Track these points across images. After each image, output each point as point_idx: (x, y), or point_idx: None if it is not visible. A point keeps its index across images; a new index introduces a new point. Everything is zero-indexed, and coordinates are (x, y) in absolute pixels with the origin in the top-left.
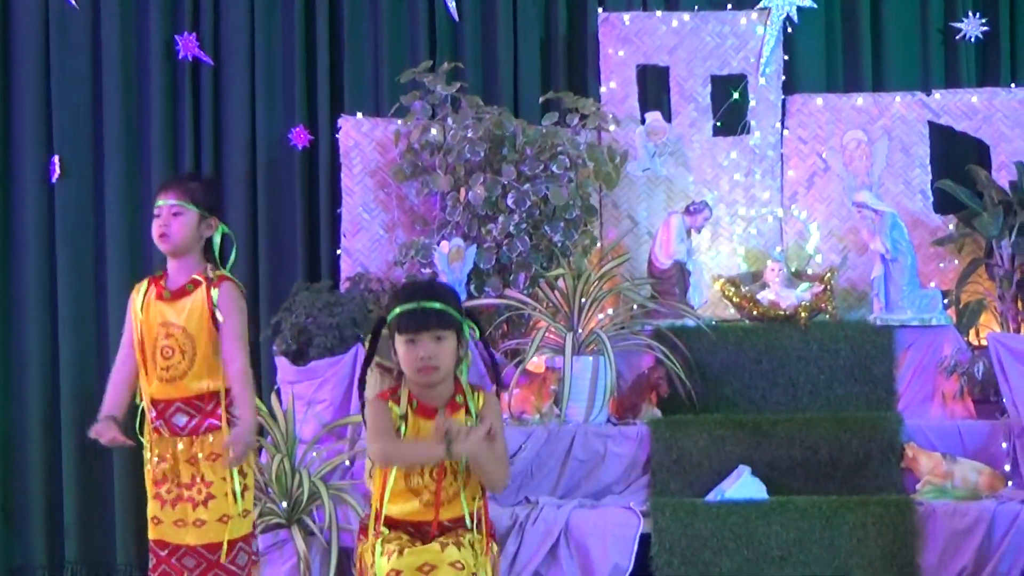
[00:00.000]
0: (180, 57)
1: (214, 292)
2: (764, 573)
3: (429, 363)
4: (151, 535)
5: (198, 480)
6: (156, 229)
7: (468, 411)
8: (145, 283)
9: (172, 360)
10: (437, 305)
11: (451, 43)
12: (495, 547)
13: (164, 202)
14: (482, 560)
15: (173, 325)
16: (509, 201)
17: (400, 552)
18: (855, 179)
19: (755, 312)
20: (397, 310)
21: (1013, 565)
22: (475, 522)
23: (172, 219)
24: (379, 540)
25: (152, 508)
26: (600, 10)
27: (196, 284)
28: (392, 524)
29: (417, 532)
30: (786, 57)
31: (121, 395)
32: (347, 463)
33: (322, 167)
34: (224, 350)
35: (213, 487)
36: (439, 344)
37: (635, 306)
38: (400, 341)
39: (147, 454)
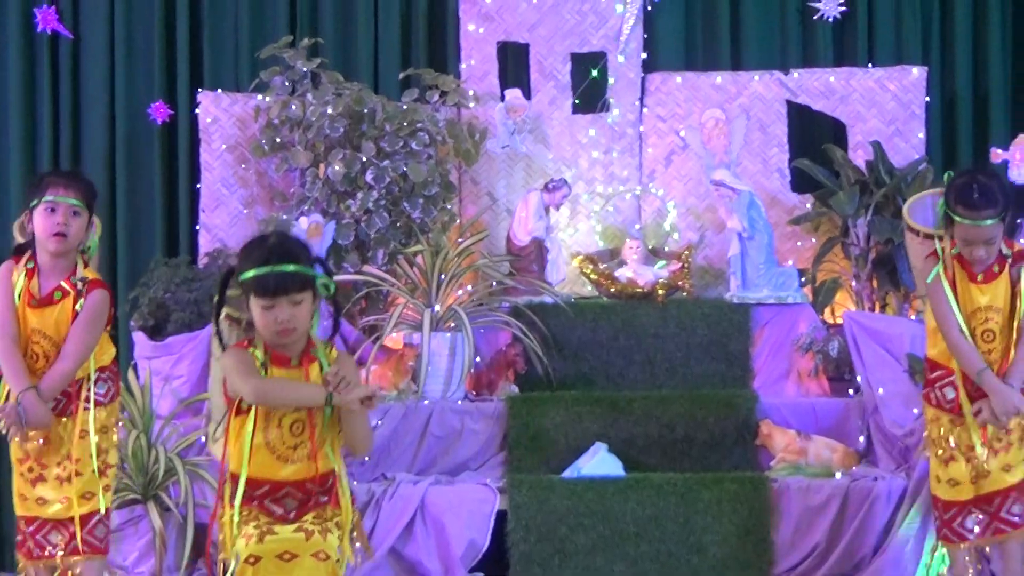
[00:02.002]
0: (39, 30)
1: (79, 304)
2: (620, 549)
3: (287, 326)
4: (17, 511)
5: (63, 458)
6: (52, 227)
7: (321, 366)
8: (23, 273)
9: (38, 364)
10: (292, 268)
11: (311, 19)
12: (357, 514)
13: (64, 200)
14: (345, 543)
15: (39, 332)
16: (368, 177)
17: (260, 538)
18: (713, 157)
19: (613, 289)
20: (251, 273)
21: (865, 541)
22: (330, 491)
23: (72, 219)
24: (239, 517)
25: (18, 485)
26: None
27: (64, 293)
28: (252, 488)
29: (278, 503)
30: (646, 35)
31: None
32: (203, 439)
33: (181, 142)
34: (70, 338)
35: (80, 464)
36: (297, 307)
37: (493, 283)
38: (256, 304)
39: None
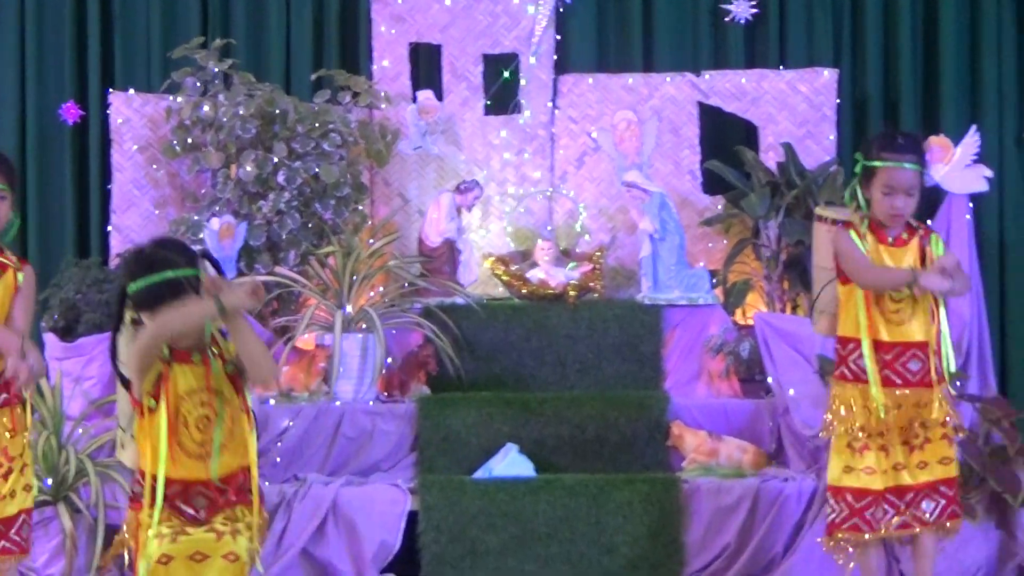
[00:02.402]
0: None
1: (19, 276)
2: (531, 550)
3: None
4: None
5: None
6: None
7: (224, 357)
8: None
9: None
10: (168, 275)
11: (223, 20)
12: (266, 515)
13: None
14: (255, 544)
15: None
16: (280, 178)
17: (173, 538)
18: (625, 159)
19: (524, 290)
20: (132, 287)
21: (776, 541)
22: (241, 490)
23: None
24: (155, 516)
25: None
26: None
27: (3, 267)
28: (168, 488)
29: (188, 503)
30: (558, 37)
31: None
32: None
33: (93, 143)
34: (19, 312)
35: (14, 462)
36: None
37: (405, 284)
38: (145, 316)
39: None
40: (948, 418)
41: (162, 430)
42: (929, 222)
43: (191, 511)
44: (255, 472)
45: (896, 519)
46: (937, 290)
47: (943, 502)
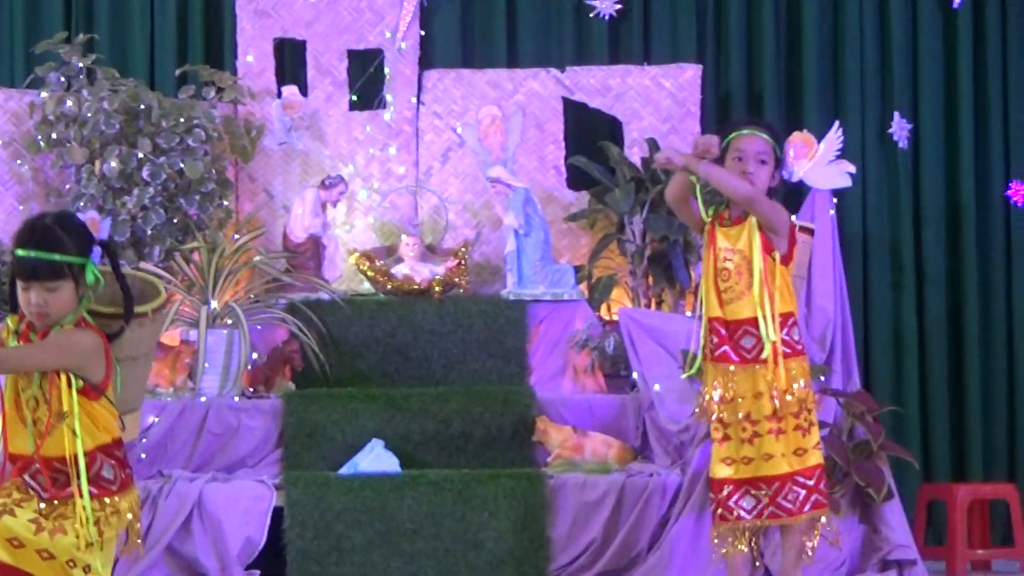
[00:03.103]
0: None
1: None
2: (396, 546)
3: (39, 310)
4: None
5: None
6: None
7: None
8: None
9: None
10: (52, 257)
11: (86, 15)
12: (120, 502)
13: None
14: (95, 536)
15: None
16: (144, 174)
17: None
18: (489, 154)
19: (390, 286)
20: (17, 252)
21: (641, 537)
22: (80, 475)
23: None
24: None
25: None
26: None
27: None
28: (11, 460)
29: (33, 478)
30: (422, 32)
31: None
32: None
33: None
34: None
35: None
36: (52, 293)
37: (270, 280)
38: (18, 283)
39: None
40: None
41: (7, 402)
42: (794, 217)
43: (36, 485)
44: (82, 466)
45: (756, 510)
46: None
47: (803, 492)
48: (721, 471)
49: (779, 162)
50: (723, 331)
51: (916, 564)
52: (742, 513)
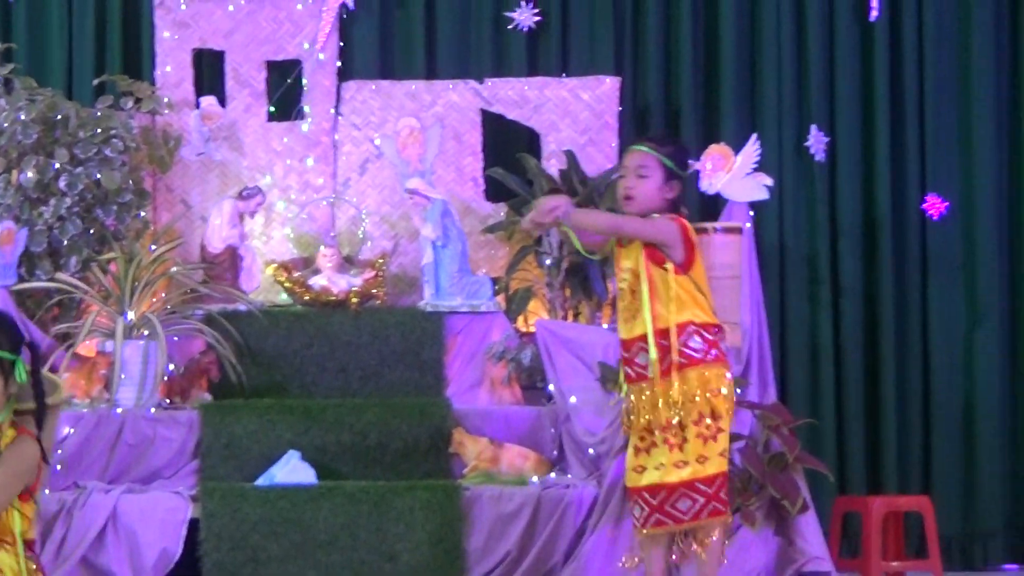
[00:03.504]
0: None
1: None
2: (312, 557)
3: None
4: None
5: None
6: None
7: None
8: None
9: None
10: None
11: (3, 24)
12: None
13: None
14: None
15: None
16: (61, 184)
17: None
18: (407, 166)
19: (307, 297)
20: None
21: (557, 548)
22: None
23: None
24: None
25: None
26: None
27: None
28: None
29: None
30: (341, 43)
31: None
32: None
33: None
34: None
35: None
36: None
37: (187, 290)
38: None
39: None
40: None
41: None
42: (717, 223)
43: None
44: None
45: (653, 517)
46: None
47: (701, 500)
48: (630, 480)
49: (673, 171)
50: (624, 351)
51: None
52: (637, 521)
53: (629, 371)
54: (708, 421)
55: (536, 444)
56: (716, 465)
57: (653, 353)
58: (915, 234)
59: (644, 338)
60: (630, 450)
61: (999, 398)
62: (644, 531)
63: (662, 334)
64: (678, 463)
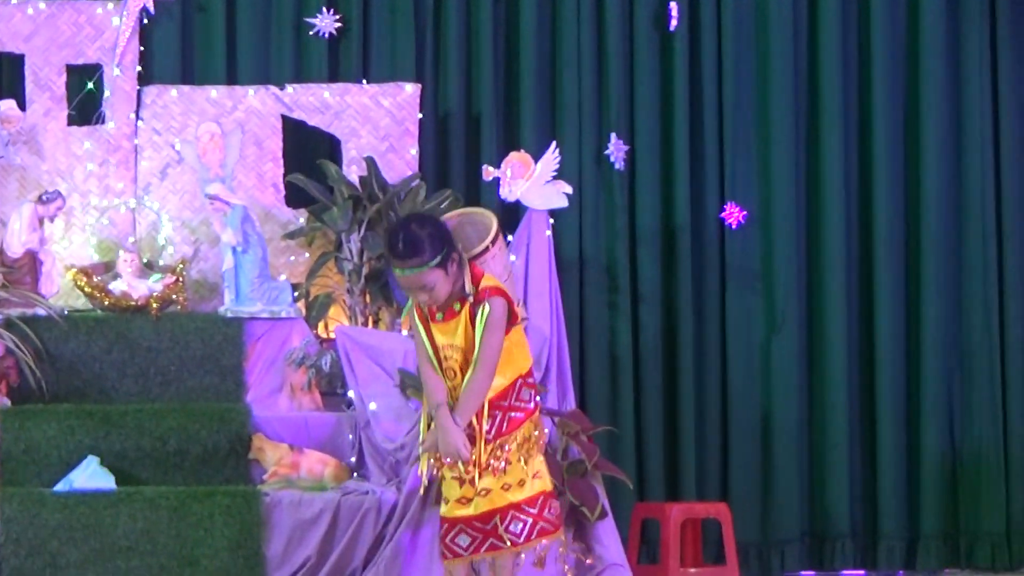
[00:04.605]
0: None
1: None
2: (111, 563)
3: None
4: None
5: None
6: None
7: None
8: None
9: None
10: None
11: None
12: None
13: None
14: None
15: None
16: None
17: None
18: (208, 171)
19: (107, 302)
20: None
21: (356, 554)
22: None
23: None
24: None
25: None
26: None
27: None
28: None
29: None
30: (142, 48)
31: None
32: None
33: None
34: None
35: None
36: None
37: None
38: None
39: None
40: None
41: None
42: (510, 237)
43: None
44: None
45: (479, 542)
46: (425, 447)
47: (529, 521)
48: (442, 511)
49: (448, 254)
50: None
51: None
52: (460, 550)
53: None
54: (527, 445)
55: (336, 450)
56: (539, 484)
57: (486, 422)
58: (713, 242)
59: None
60: (450, 483)
61: (796, 406)
62: (475, 557)
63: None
64: (505, 486)
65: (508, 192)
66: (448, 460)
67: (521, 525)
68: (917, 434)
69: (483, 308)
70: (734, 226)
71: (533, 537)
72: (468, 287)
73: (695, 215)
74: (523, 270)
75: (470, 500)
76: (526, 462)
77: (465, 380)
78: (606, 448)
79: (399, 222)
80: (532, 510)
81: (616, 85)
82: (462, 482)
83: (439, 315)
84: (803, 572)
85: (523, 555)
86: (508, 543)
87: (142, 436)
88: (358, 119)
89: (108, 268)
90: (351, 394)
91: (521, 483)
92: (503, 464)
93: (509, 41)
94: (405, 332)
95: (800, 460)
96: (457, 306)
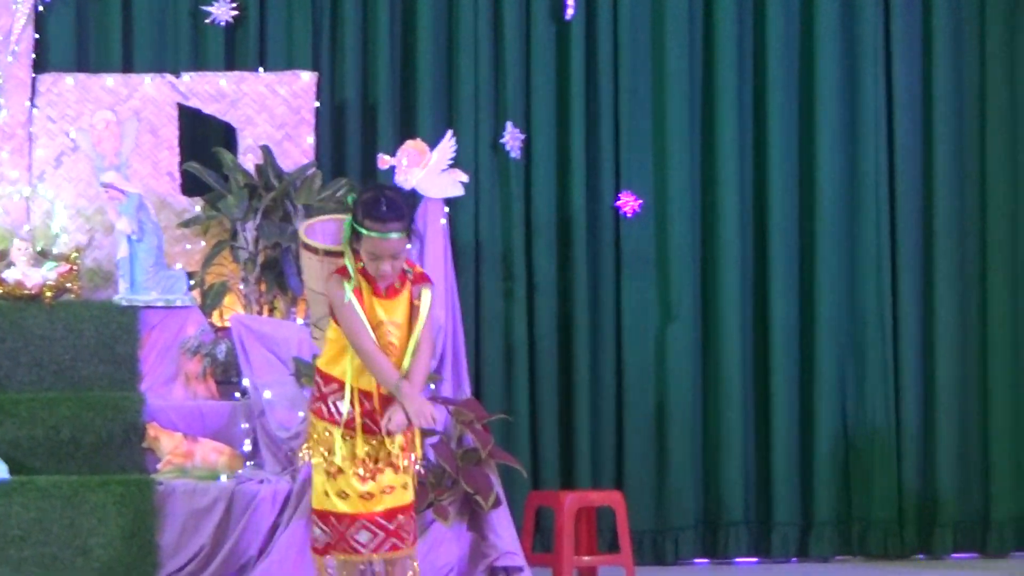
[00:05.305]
0: None
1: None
2: (3, 553)
3: None
4: None
5: None
6: None
7: None
8: None
9: None
10: None
11: None
12: None
13: None
14: None
15: None
16: None
17: None
18: (103, 159)
19: (0, 291)
20: None
21: (251, 543)
22: None
23: None
24: None
25: None
26: None
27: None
28: None
29: None
30: (37, 35)
31: None
32: None
33: None
34: None
35: None
36: None
37: None
38: None
39: None
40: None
41: None
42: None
43: None
44: None
45: (375, 543)
46: (396, 425)
47: (412, 524)
48: (337, 506)
49: (412, 234)
50: (370, 404)
51: (523, 571)
52: (360, 547)
53: (370, 424)
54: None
55: (230, 439)
56: (408, 496)
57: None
58: (609, 231)
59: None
60: (351, 478)
61: (691, 395)
62: (376, 556)
63: None
64: (405, 485)
65: (404, 180)
66: (424, 423)
67: (411, 526)
68: (811, 423)
69: (427, 288)
70: (629, 215)
71: (415, 540)
72: (406, 266)
73: (591, 204)
74: (418, 258)
75: (373, 496)
76: (395, 471)
77: (409, 352)
78: (501, 436)
79: (374, 188)
80: (410, 514)
81: (512, 74)
82: (364, 479)
83: (383, 290)
84: (697, 560)
85: (413, 559)
86: (406, 543)
87: (35, 425)
88: (254, 107)
89: (2, 256)
90: (246, 383)
91: (405, 486)
92: (406, 463)
93: (406, 30)
94: (300, 320)
95: (694, 448)
96: (398, 284)
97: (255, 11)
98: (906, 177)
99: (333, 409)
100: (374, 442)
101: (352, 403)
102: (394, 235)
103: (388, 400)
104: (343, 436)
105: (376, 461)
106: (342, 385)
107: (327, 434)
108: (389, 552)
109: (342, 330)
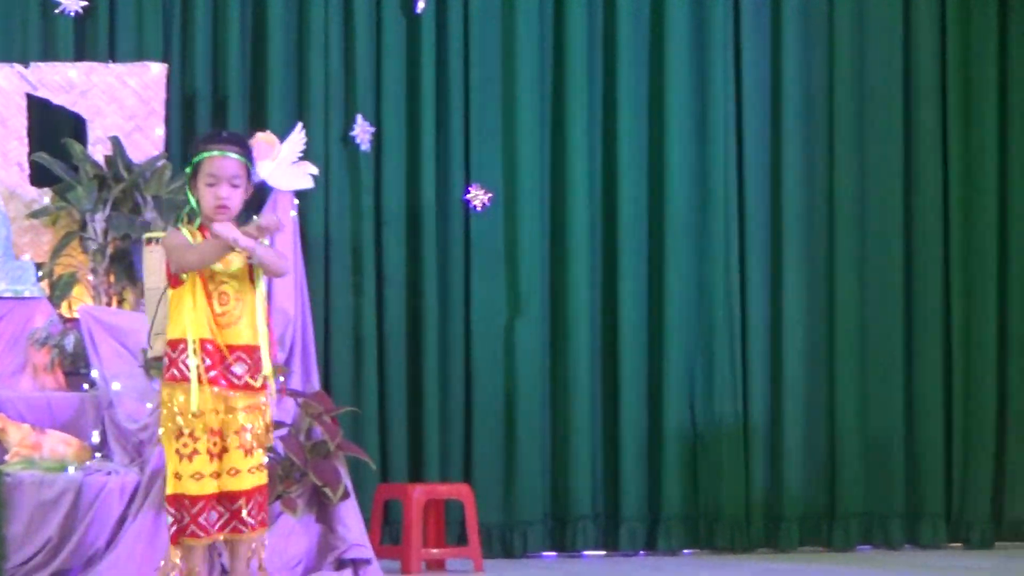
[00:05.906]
0: None
1: None
2: None
3: None
4: None
5: None
6: None
7: None
8: None
9: None
10: None
11: None
12: None
13: None
14: None
15: None
16: None
17: None
18: None
19: None
20: None
21: (99, 535)
22: None
23: None
24: None
25: None
26: None
27: None
28: None
29: None
30: None
31: None
32: None
33: None
34: None
35: None
36: None
37: None
38: None
39: None
40: (251, 425)
41: None
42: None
43: None
44: None
45: (227, 524)
46: (225, 236)
47: (261, 509)
48: (191, 488)
49: (251, 176)
50: (215, 355)
51: (371, 563)
52: (210, 528)
53: (218, 377)
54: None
55: (79, 431)
56: (263, 477)
57: (269, 365)
58: (458, 224)
59: (245, 348)
60: (202, 458)
61: (540, 388)
62: (219, 536)
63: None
64: (252, 469)
65: (253, 173)
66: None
67: (258, 511)
68: (659, 417)
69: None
70: (479, 208)
71: (263, 523)
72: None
73: (440, 197)
74: None
75: (219, 475)
76: (260, 449)
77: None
78: (350, 429)
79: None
80: (261, 499)
81: (363, 67)
82: (212, 456)
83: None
84: (545, 553)
85: (255, 544)
86: (248, 528)
87: None
88: (104, 98)
89: None
90: (95, 374)
91: (260, 467)
92: (253, 445)
93: (256, 22)
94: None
95: (543, 442)
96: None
97: (105, 1)
98: (755, 171)
99: (184, 367)
100: (223, 407)
101: (196, 353)
102: (232, 155)
103: (231, 350)
104: (186, 394)
105: (224, 437)
106: (187, 343)
107: (181, 399)
108: (232, 534)
109: (171, 258)
